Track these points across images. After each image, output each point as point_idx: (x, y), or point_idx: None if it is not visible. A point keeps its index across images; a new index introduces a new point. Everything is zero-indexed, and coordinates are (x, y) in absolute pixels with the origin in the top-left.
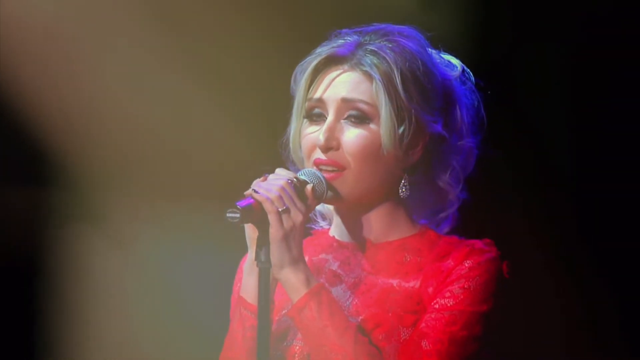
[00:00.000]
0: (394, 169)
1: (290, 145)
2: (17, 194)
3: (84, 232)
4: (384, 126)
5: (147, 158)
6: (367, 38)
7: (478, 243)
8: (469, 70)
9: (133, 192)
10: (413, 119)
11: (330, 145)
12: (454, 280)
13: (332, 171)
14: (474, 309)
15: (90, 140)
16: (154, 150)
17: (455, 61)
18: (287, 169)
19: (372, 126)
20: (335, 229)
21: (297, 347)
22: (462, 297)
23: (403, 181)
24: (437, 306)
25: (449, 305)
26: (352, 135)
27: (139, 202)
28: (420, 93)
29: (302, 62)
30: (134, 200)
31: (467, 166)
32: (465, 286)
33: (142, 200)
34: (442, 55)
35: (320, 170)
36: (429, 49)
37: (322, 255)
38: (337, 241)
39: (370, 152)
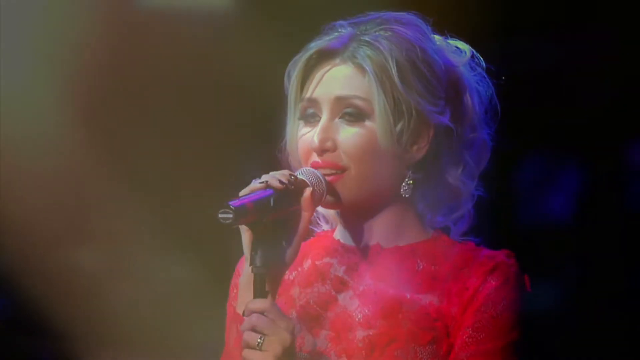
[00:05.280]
0: (398, 168)
1: (288, 148)
2: None
3: None
4: (379, 122)
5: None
6: (362, 28)
7: (500, 255)
8: (479, 55)
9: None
10: (413, 112)
11: (325, 147)
12: (481, 304)
13: (332, 174)
14: (507, 340)
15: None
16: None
17: (463, 46)
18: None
19: (369, 123)
20: (340, 232)
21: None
22: (494, 329)
23: (406, 179)
24: (469, 340)
25: (480, 337)
26: (348, 135)
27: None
28: (420, 82)
29: (294, 58)
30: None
31: (481, 160)
32: (494, 315)
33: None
34: (449, 42)
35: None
36: (432, 35)
37: (326, 259)
38: (343, 245)
39: (369, 151)
